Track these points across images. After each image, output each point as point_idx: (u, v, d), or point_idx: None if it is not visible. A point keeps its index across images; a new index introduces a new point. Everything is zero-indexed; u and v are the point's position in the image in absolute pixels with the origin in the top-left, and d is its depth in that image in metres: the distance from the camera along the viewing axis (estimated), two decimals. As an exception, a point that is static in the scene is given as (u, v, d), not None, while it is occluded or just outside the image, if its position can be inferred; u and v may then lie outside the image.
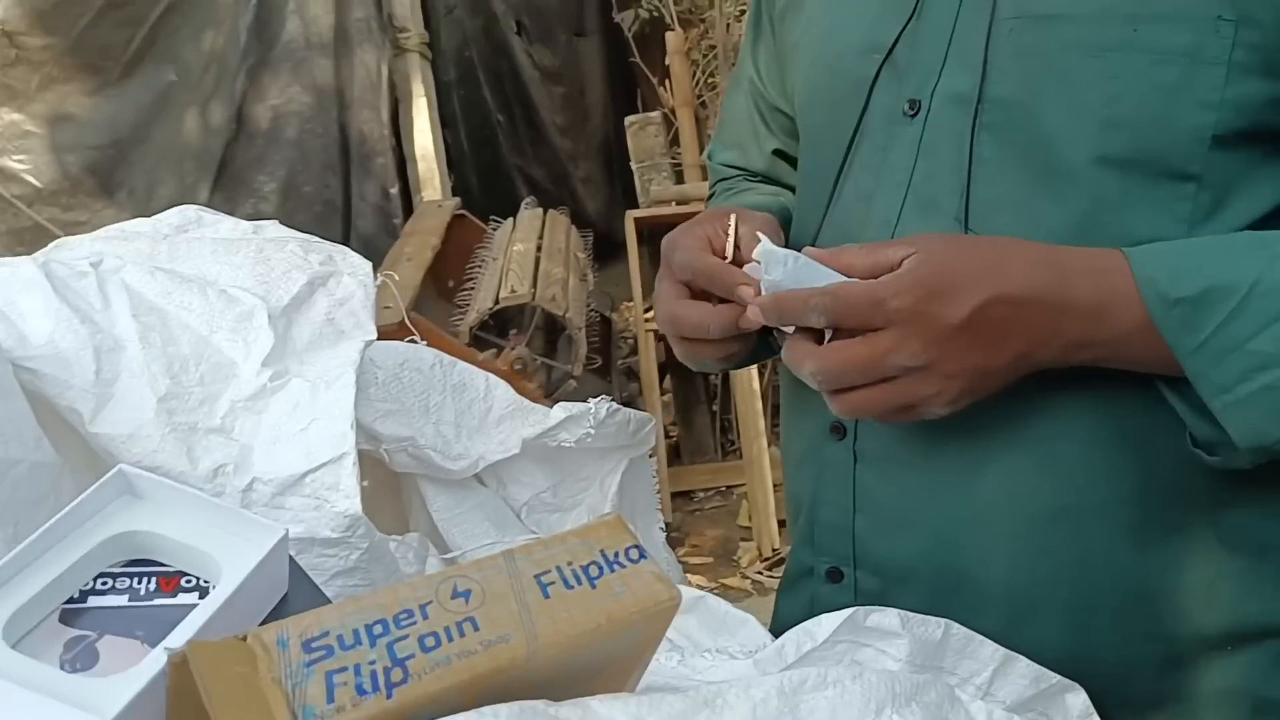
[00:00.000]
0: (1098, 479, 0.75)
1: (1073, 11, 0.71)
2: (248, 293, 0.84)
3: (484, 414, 0.92)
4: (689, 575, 3.27)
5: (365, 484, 0.95)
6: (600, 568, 0.55)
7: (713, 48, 4.30)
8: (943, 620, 0.71)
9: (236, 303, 0.82)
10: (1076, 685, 0.73)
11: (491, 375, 0.94)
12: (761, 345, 0.90)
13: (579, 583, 0.54)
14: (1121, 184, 0.70)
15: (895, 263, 0.68)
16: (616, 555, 0.55)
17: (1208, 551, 0.75)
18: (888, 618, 0.70)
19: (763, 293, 0.73)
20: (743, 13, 4.28)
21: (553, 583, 0.53)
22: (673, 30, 4.04)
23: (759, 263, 0.74)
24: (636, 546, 0.56)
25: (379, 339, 0.87)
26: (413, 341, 0.93)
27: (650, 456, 1.02)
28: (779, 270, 0.71)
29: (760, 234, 0.75)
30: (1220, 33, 0.66)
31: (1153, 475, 0.74)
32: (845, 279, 0.70)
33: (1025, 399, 0.73)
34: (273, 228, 0.96)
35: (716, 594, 0.83)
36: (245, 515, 0.63)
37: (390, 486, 0.96)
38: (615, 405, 0.94)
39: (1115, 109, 0.69)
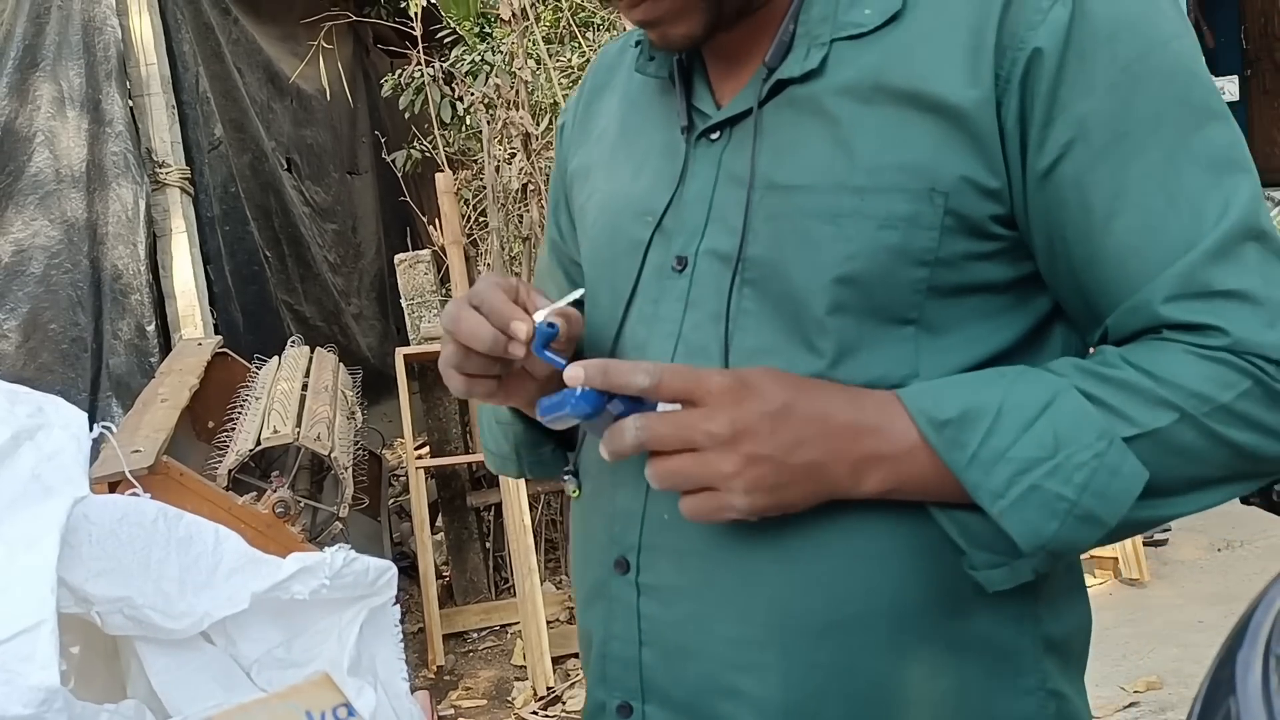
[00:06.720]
0: (856, 594, 0.80)
1: (811, 183, 0.81)
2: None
3: (212, 568, 0.88)
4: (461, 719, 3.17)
5: (75, 650, 0.90)
6: (305, 731, 0.53)
7: (483, 188, 4.39)
8: None
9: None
10: None
11: (222, 528, 0.91)
12: (535, 461, 1.01)
13: (280, 748, 0.52)
14: (858, 331, 0.79)
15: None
16: (324, 716, 0.54)
17: (958, 657, 0.82)
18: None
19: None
20: (512, 156, 4.40)
21: (251, 750, 0.51)
22: (443, 171, 4.11)
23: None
24: (345, 705, 0.55)
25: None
26: (134, 495, 0.89)
27: (394, 605, 1.00)
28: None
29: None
30: (934, 203, 0.77)
31: (907, 588, 0.80)
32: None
33: (786, 519, 0.79)
34: (-27, 379, 0.91)
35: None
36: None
37: (107, 651, 0.90)
38: (353, 553, 0.92)
39: (849, 267, 0.79)
